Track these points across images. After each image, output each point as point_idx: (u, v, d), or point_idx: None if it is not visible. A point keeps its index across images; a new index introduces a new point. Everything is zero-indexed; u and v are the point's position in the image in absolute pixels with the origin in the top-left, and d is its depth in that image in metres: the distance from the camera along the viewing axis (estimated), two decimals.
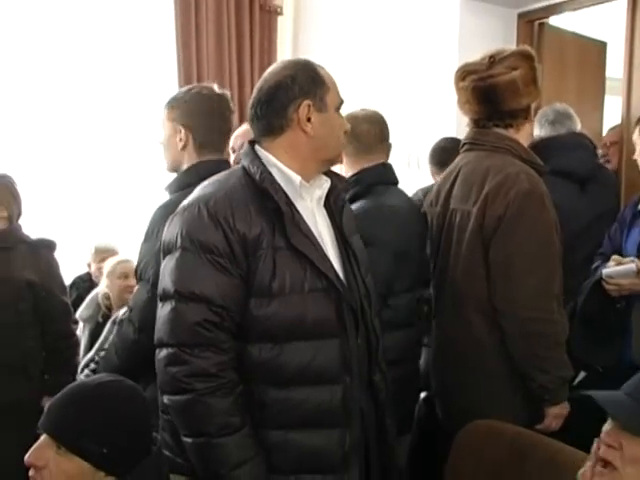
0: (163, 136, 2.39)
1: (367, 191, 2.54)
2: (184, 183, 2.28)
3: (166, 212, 2.19)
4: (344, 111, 1.88)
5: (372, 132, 2.59)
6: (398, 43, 4.39)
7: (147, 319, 2.16)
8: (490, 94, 2.34)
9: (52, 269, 3.14)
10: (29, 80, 4.46)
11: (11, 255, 3.01)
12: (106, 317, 3.84)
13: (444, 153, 3.29)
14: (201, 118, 2.35)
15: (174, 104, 2.37)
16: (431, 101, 4.11)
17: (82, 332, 3.85)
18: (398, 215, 2.49)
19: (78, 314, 3.81)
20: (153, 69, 4.80)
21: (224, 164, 2.40)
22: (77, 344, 3.39)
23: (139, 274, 2.26)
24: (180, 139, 2.34)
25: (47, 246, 3.14)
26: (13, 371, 2.93)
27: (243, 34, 4.98)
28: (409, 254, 2.46)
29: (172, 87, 4.61)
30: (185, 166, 2.35)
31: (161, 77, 4.79)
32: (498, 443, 1.99)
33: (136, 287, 2.27)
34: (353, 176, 2.58)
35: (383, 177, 2.59)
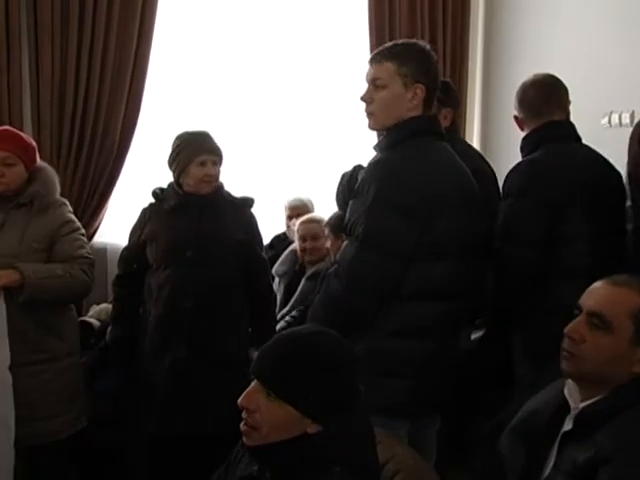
0: (384, 94, 2.31)
1: (534, 150, 2.64)
2: (396, 140, 2.30)
3: (377, 169, 2.26)
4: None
5: (537, 96, 2.66)
6: None
7: (355, 275, 2.23)
8: None
9: (253, 227, 3.18)
10: (235, 49, 4.67)
11: (222, 216, 3.05)
12: (300, 274, 4.02)
13: None
14: (433, 75, 2.36)
15: (403, 59, 2.30)
16: (631, 55, 3.85)
17: (277, 287, 4.00)
18: (545, 167, 2.55)
19: (274, 270, 3.94)
20: (345, 31, 4.82)
21: (435, 118, 2.43)
22: (275, 300, 3.47)
23: (348, 230, 2.29)
24: (413, 97, 2.29)
25: (249, 205, 3.17)
26: (231, 329, 3.04)
27: None
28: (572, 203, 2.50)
29: (364, 50, 4.67)
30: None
31: (353, 39, 4.81)
32: None
33: (344, 242, 2.31)
34: (524, 140, 2.70)
35: (548, 134, 2.63)
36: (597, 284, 1.87)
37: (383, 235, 2.21)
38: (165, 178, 3.15)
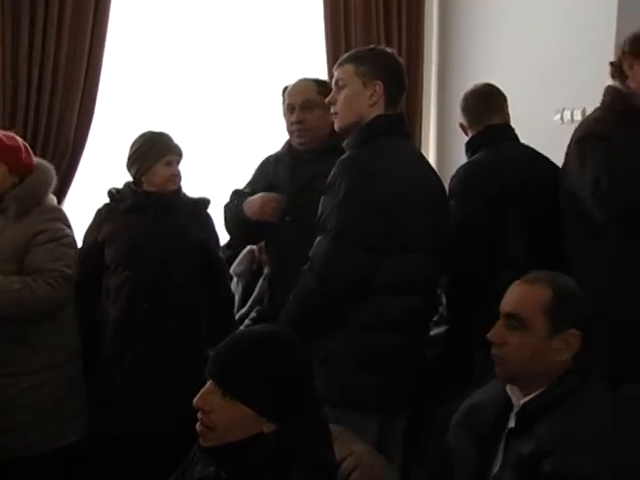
0: (344, 93, 2.39)
1: (476, 153, 2.80)
2: (365, 137, 2.36)
3: (347, 166, 2.30)
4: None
5: (476, 104, 2.85)
6: None
7: (327, 269, 2.27)
8: None
9: (211, 227, 3.17)
10: (191, 51, 4.66)
11: (180, 216, 3.03)
12: (257, 274, 4.00)
13: None
14: (393, 74, 2.41)
15: (361, 60, 2.39)
16: (581, 52, 3.90)
17: (235, 287, 4.00)
18: (484, 167, 2.70)
19: (232, 270, 3.94)
20: (302, 38, 4.82)
21: (402, 118, 2.51)
22: (234, 299, 3.47)
23: (320, 225, 2.32)
24: (372, 94, 2.37)
25: (205, 205, 3.16)
26: (191, 329, 3.02)
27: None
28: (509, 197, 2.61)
29: (319, 47, 4.71)
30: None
31: (307, 36, 4.82)
32: None
33: (318, 238, 2.32)
34: (467, 144, 2.87)
35: (486, 138, 2.79)
36: (513, 285, 1.89)
37: (355, 229, 2.25)
38: (120, 179, 3.11)
